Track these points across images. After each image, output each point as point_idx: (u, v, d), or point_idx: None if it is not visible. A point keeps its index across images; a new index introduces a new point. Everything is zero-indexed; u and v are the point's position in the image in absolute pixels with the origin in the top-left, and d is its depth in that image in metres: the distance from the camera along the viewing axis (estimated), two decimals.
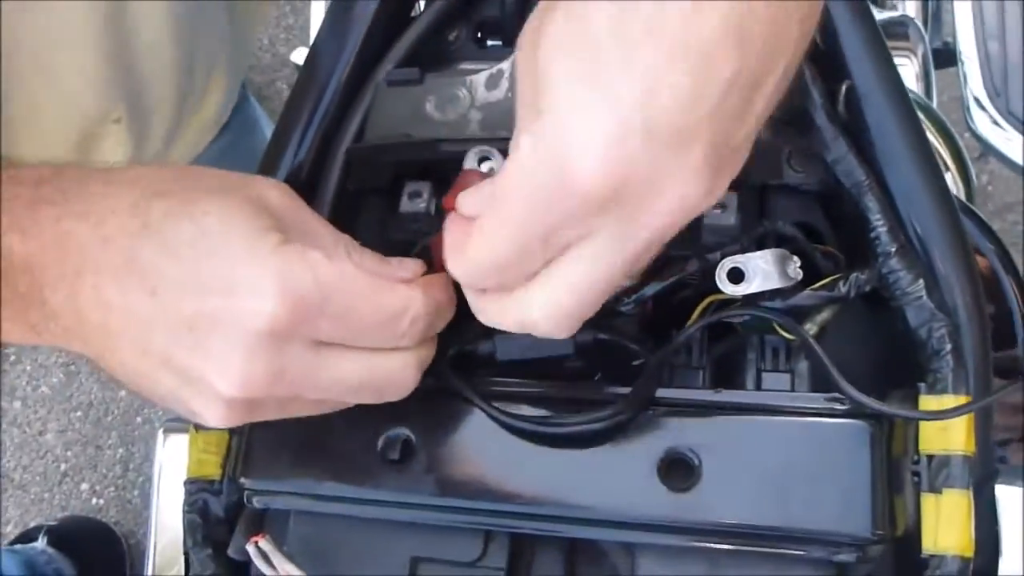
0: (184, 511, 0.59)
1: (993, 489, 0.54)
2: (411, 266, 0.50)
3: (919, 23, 1.21)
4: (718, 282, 0.53)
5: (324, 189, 0.64)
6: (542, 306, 0.43)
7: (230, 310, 0.43)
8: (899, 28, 1.09)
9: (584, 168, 0.37)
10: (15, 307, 0.47)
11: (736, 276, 0.53)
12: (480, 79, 0.60)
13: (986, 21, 1.23)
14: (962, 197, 0.97)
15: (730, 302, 0.56)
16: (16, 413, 1.67)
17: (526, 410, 0.53)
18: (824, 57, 0.57)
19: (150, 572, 0.65)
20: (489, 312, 0.47)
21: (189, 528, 0.58)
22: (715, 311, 0.57)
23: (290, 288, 0.43)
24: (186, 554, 0.58)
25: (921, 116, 0.98)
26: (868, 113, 0.56)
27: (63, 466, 1.64)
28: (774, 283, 0.53)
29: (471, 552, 0.55)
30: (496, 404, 0.53)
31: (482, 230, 0.42)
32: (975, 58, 1.21)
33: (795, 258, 0.54)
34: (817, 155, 0.56)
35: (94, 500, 1.61)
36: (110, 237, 0.44)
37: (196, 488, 0.59)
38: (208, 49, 0.83)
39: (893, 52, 1.02)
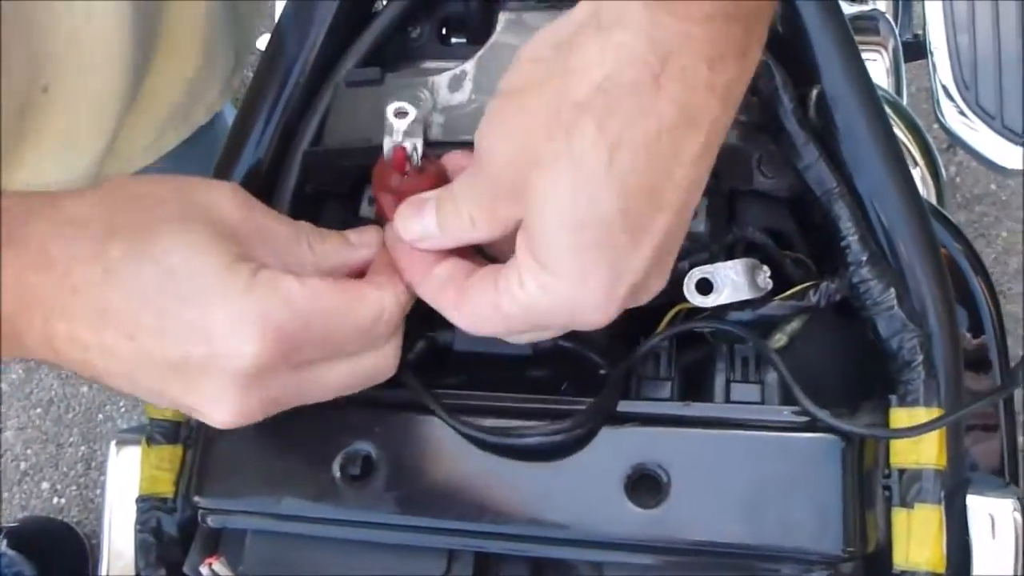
0: (136, 530, 0.57)
1: (964, 499, 0.54)
2: (370, 237, 0.52)
3: (889, 17, 1.20)
4: (686, 293, 0.52)
5: (282, 192, 0.62)
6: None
7: (214, 356, 0.43)
8: (869, 23, 1.08)
9: (592, 317, 0.44)
10: None
11: (704, 287, 0.52)
12: (442, 80, 0.58)
13: (956, 14, 1.22)
14: (931, 193, 0.97)
15: (699, 311, 0.54)
16: None
17: (486, 421, 0.52)
18: (794, 61, 0.55)
19: None
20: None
21: (141, 548, 0.56)
22: (683, 320, 0.56)
23: (271, 327, 0.43)
24: (138, 575, 0.56)
25: (890, 112, 0.98)
26: (839, 118, 0.55)
27: (23, 465, 1.61)
28: (743, 294, 0.52)
29: (434, 571, 0.53)
30: (457, 415, 0.52)
31: (479, 315, 0.47)
32: (945, 51, 1.20)
33: (765, 268, 0.53)
34: (788, 161, 0.55)
35: (55, 499, 1.58)
36: (78, 287, 0.43)
37: (149, 506, 0.57)
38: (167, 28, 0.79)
39: (863, 47, 1.02)
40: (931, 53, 1.19)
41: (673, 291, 0.54)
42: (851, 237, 0.53)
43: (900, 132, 0.95)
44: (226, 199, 0.48)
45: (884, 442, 0.51)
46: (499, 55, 0.59)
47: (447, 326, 0.56)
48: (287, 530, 0.54)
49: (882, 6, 1.24)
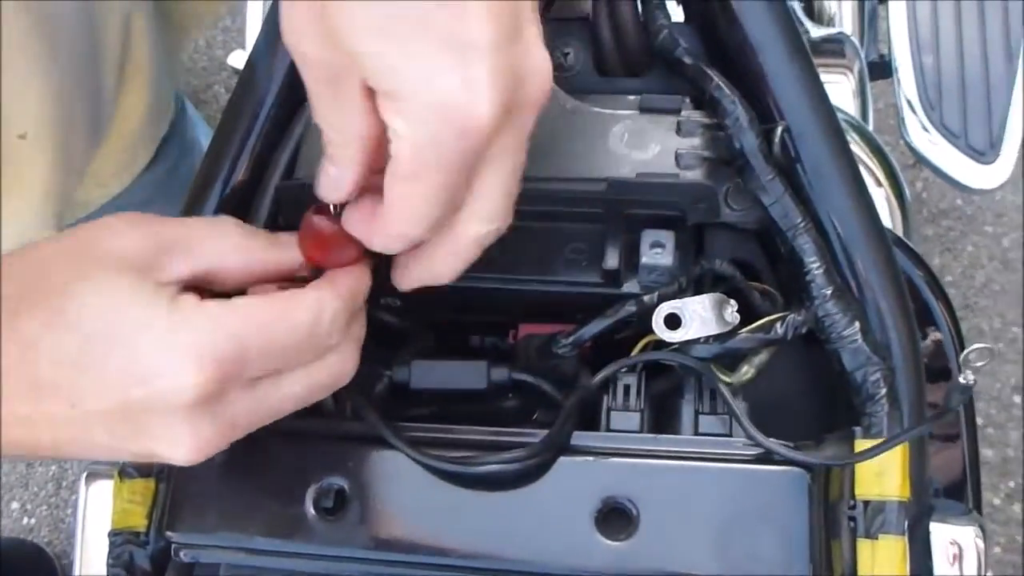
0: (108, 564, 0.57)
1: (928, 526, 0.55)
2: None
3: (855, 38, 1.22)
4: (655, 328, 0.53)
5: (255, 225, 0.62)
6: (485, 216, 0.45)
7: (155, 395, 0.42)
8: (835, 45, 1.09)
9: (479, 110, 0.39)
10: None
11: (673, 322, 0.53)
12: None
13: (920, 34, 1.24)
14: (896, 215, 0.99)
15: (667, 343, 0.55)
16: None
17: (445, 451, 0.52)
18: (759, 98, 0.56)
19: None
20: (438, 256, 0.47)
21: None
22: (652, 350, 0.57)
23: (205, 353, 0.42)
24: None
25: (855, 136, 1.00)
26: (804, 154, 0.56)
27: None
28: (711, 329, 0.53)
29: None
30: (415, 446, 0.52)
31: (402, 197, 0.43)
32: (910, 71, 1.22)
33: (732, 302, 0.54)
34: (754, 195, 0.56)
35: (25, 519, 1.56)
36: (4, 369, 0.42)
37: (121, 540, 0.57)
38: (117, 47, 0.79)
39: (828, 70, 1.03)
40: (896, 73, 1.21)
41: (641, 324, 0.55)
42: (816, 271, 0.54)
43: (864, 155, 0.97)
44: (121, 230, 0.45)
45: (849, 473, 0.52)
46: None
47: (403, 363, 0.57)
48: (260, 564, 0.54)
49: (848, 26, 1.26)
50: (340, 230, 0.48)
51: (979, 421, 1.59)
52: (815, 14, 1.25)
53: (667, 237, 0.56)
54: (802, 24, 1.10)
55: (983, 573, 0.55)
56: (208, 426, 0.44)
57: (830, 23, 1.23)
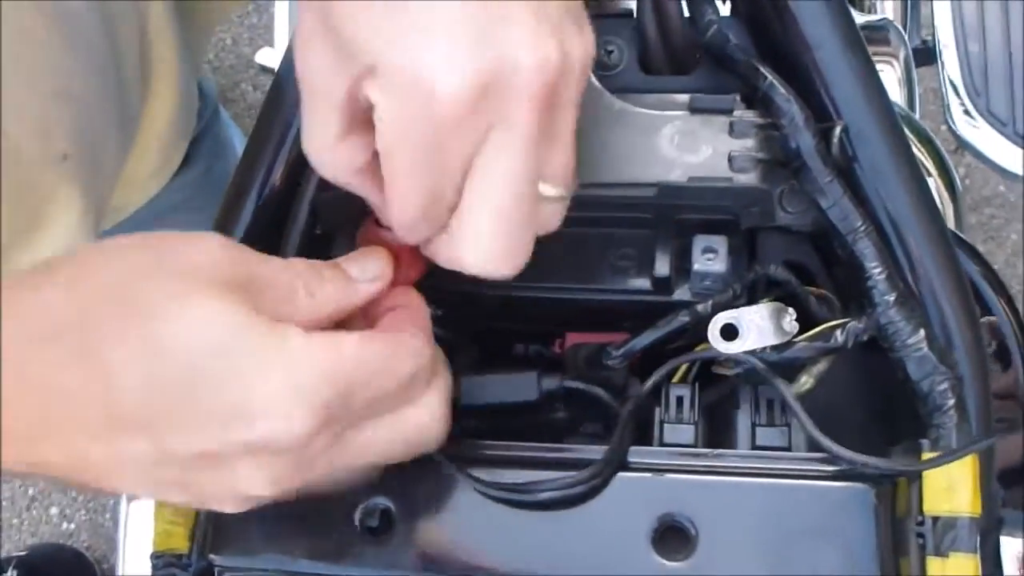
0: None
1: (998, 540, 0.53)
2: (373, 266, 0.48)
3: (898, 24, 1.19)
4: (710, 339, 0.51)
5: (290, 236, 0.61)
6: (469, 238, 0.43)
7: (259, 439, 0.38)
8: (879, 33, 1.06)
9: (447, 82, 0.38)
10: None
11: (730, 332, 0.51)
12: None
13: (966, 20, 1.21)
14: (948, 208, 0.96)
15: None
16: None
17: (499, 475, 0.50)
18: (816, 96, 0.54)
19: None
20: (440, 256, 0.46)
21: None
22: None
23: (316, 398, 0.39)
24: None
25: (904, 127, 0.97)
26: (863, 155, 0.53)
27: (31, 490, 1.59)
28: (769, 339, 0.51)
29: None
30: (469, 468, 0.50)
31: (391, 188, 0.42)
32: (955, 57, 1.19)
33: (790, 311, 0.52)
34: (810, 197, 0.54)
35: (64, 525, 1.57)
36: (80, 403, 0.38)
37: (163, 563, 0.56)
38: (135, 44, 0.75)
39: (874, 58, 1.00)
40: (941, 59, 1.18)
41: (695, 334, 0.53)
42: (878, 276, 0.52)
43: (914, 146, 0.94)
44: (211, 248, 0.41)
45: (917, 489, 0.50)
46: None
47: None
48: None
49: (889, 11, 1.23)
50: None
51: None
52: (856, 1, 1.22)
53: (719, 242, 0.54)
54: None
55: None
56: (289, 471, 0.41)
57: (871, 9, 1.20)
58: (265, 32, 2.08)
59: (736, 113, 0.54)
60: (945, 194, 0.97)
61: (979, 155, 1.16)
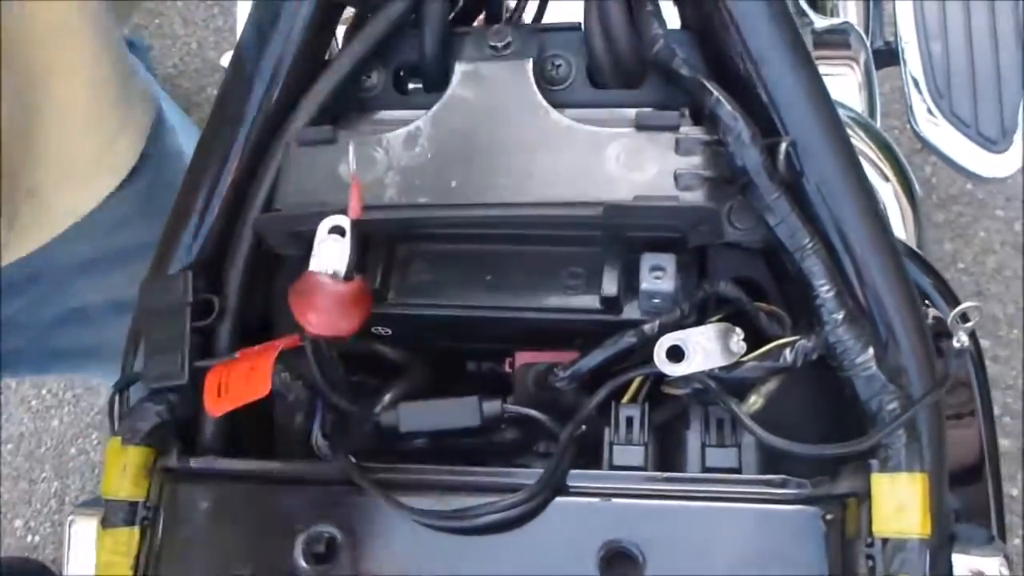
0: None
1: (950, 558, 0.52)
2: None
3: (860, 26, 1.18)
4: (656, 361, 0.50)
5: (235, 257, 0.59)
6: None
7: None
8: (839, 36, 1.06)
9: None
10: None
11: (676, 354, 0.50)
12: (397, 139, 0.56)
13: (927, 21, 1.20)
14: (907, 215, 0.95)
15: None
16: None
17: (435, 501, 0.49)
18: (763, 112, 0.53)
19: None
20: None
21: None
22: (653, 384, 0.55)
23: None
24: None
25: (860, 133, 0.96)
26: (810, 170, 0.53)
27: None
28: (716, 361, 0.50)
29: None
30: (406, 495, 0.49)
31: None
32: (918, 59, 1.19)
33: (738, 331, 0.51)
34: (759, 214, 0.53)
35: (29, 537, 1.55)
36: None
37: None
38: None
39: (833, 62, 0.99)
40: (904, 62, 1.17)
41: (643, 354, 0.53)
42: (826, 295, 0.51)
43: (871, 152, 0.94)
44: None
45: (866, 509, 0.49)
46: (455, 110, 0.56)
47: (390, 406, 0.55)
48: None
49: (852, 13, 1.22)
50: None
51: (995, 411, 1.55)
52: (817, 3, 1.21)
53: (668, 260, 0.53)
54: (805, 15, 1.06)
55: None
56: None
57: (833, 12, 1.20)
58: (230, 35, 2.06)
59: (683, 130, 0.53)
60: (904, 200, 0.97)
61: (942, 156, 1.16)
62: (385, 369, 0.62)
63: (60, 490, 1.58)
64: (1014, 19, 1.22)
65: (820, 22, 1.06)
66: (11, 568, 1.45)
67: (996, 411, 1.57)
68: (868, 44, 1.10)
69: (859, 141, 0.94)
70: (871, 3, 1.26)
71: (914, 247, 0.94)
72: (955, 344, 0.43)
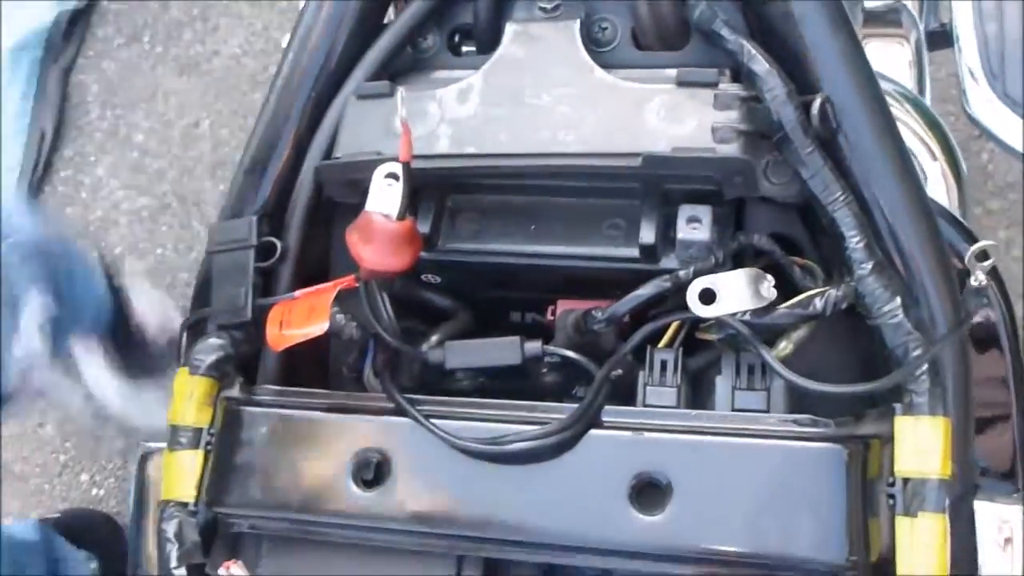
0: (158, 533, 0.59)
1: (972, 505, 0.54)
2: None
3: (914, 7, 1.18)
4: (689, 303, 0.52)
5: (296, 206, 0.63)
6: None
7: None
8: (891, 15, 1.06)
9: None
10: None
11: (708, 296, 0.52)
12: (451, 93, 0.59)
13: (983, 2, 1.20)
14: (952, 191, 0.96)
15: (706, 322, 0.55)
16: None
17: (473, 430, 0.53)
18: (800, 69, 0.55)
19: None
20: None
21: (162, 550, 0.58)
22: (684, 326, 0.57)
23: None
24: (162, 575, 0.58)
25: (909, 108, 0.97)
26: (846, 126, 0.55)
27: (62, 457, 1.65)
28: (746, 304, 0.52)
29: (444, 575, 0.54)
30: (446, 424, 0.53)
31: None
32: (972, 40, 1.18)
33: (769, 277, 0.53)
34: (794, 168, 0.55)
35: (94, 491, 1.62)
36: None
37: (170, 510, 0.59)
38: None
39: (886, 39, 1.00)
40: (958, 42, 1.17)
41: (678, 300, 0.55)
42: (856, 245, 0.53)
43: (919, 128, 0.94)
44: None
45: (889, 451, 0.51)
46: (505, 67, 0.59)
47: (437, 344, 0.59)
48: (302, 534, 0.56)
49: None
50: None
51: None
52: None
53: (704, 212, 0.55)
54: None
55: None
56: None
57: None
58: (294, 15, 2.10)
59: (721, 86, 0.55)
60: (951, 178, 0.97)
61: (994, 138, 1.16)
62: (434, 316, 0.65)
63: (124, 447, 1.64)
64: None
65: (873, 3, 1.06)
66: (78, 518, 1.52)
67: None
68: (920, 24, 1.11)
69: (908, 116, 0.94)
70: None
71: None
72: (973, 283, 0.45)
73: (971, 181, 1.72)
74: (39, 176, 1.84)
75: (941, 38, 1.29)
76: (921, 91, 1.05)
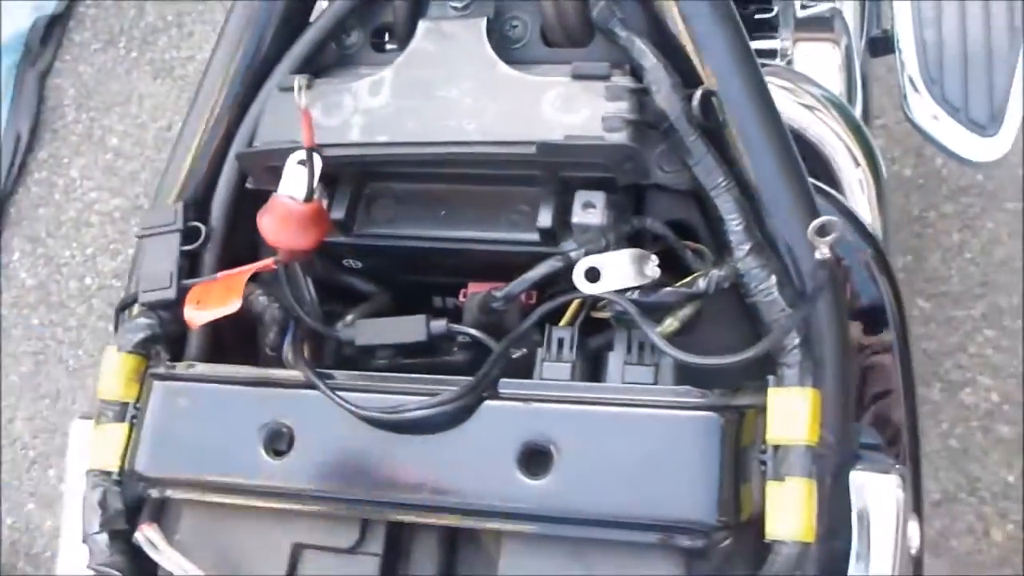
0: (84, 500, 0.62)
1: (848, 475, 0.57)
2: None
3: (852, 14, 1.22)
4: (575, 280, 0.56)
5: (220, 194, 0.67)
6: None
7: None
8: (823, 20, 1.10)
9: None
10: None
11: (593, 275, 0.56)
12: (364, 86, 0.63)
13: (923, 10, 1.24)
14: (871, 193, 0.99)
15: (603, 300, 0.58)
16: None
17: (374, 400, 0.56)
18: (687, 62, 0.59)
19: (61, 563, 0.68)
20: None
21: (88, 516, 0.61)
22: (589, 310, 0.60)
23: None
24: (85, 540, 0.61)
25: (834, 113, 1.00)
26: (730, 115, 0.58)
27: (31, 453, 1.68)
28: (630, 281, 0.56)
29: (349, 539, 0.57)
30: (349, 396, 0.56)
31: None
32: (912, 46, 1.22)
33: (652, 257, 0.57)
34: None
35: (62, 486, 1.65)
36: None
37: (96, 479, 0.62)
38: None
39: (818, 43, 1.04)
40: (899, 48, 1.21)
41: (570, 280, 0.58)
42: (736, 227, 0.57)
43: (844, 134, 0.98)
44: None
45: (762, 420, 0.54)
46: (416, 62, 0.63)
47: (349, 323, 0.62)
48: (217, 500, 0.59)
49: (847, 3, 1.26)
50: None
51: (995, 399, 1.58)
52: None
53: (598, 197, 0.59)
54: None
55: (902, 521, 0.57)
56: None
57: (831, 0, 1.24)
58: None
59: (613, 79, 0.59)
60: (871, 181, 1.00)
61: (933, 141, 1.19)
62: (357, 299, 0.68)
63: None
64: (1006, 7, 1.25)
65: (804, 12, 1.10)
66: None
67: (996, 398, 1.60)
68: (853, 30, 1.14)
69: (832, 122, 0.98)
70: None
71: (879, 229, 0.97)
72: (816, 256, 0.49)
73: (925, 185, 1.76)
74: (13, 178, 1.88)
75: (884, 44, 1.34)
76: (850, 95, 1.09)
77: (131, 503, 0.62)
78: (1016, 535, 1.49)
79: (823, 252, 0.49)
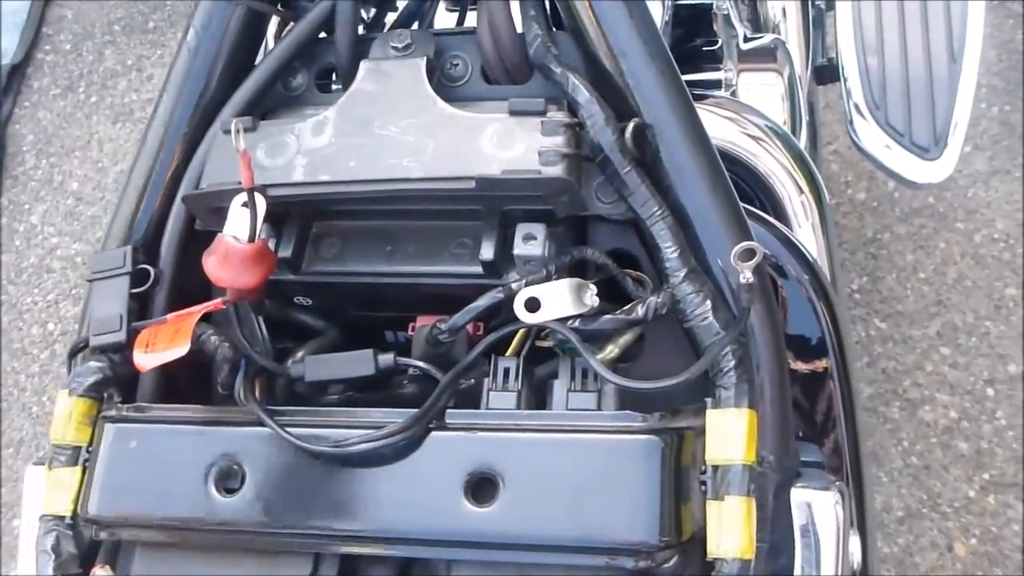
0: (36, 546, 0.62)
1: (789, 492, 0.58)
2: None
3: (798, 43, 1.26)
4: (515, 310, 0.57)
5: (170, 233, 0.68)
6: None
7: None
8: (767, 51, 1.13)
9: None
10: None
11: (533, 305, 0.57)
12: (307, 126, 0.64)
13: (865, 37, 1.28)
14: (815, 218, 1.01)
15: (549, 330, 0.60)
16: None
17: (320, 432, 0.56)
18: (622, 97, 0.61)
19: None
20: None
21: (41, 561, 0.61)
22: (534, 339, 0.62)
23: None
24: None
25: (777, 143, 1.03)
26: (663, 148, 0.60)
27: None
28: (569, 310, 0.57)
29: (302, 573, 0.58)
30: (298, 432, 0.56)
31: None
32: (856, 73, 1.26)
33: (591, 286, 0.58)
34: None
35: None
36: None
37: (48, 525, 0.62)
38: None
39: (761, 73, 1.07)
40: (843, 76, 1.25)
41: (512, 311, 0.60)
42: (671, 255, 0.59)
43: (787, 162, 1.00)
44: None
45: (702, 441, 0.56)
46: (358, 101, 0.64)
47: (298, 359, 0.62)
48: (170, 541, 0.59)
49: (792, 32, 1.30)
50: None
51: (953, 415, 1.60)
52: (760, 20, 1.29)
53: (539, 229, 0.60)
54: (735, 30, 1.14)
55: (843, 537, 0.59)
56: None
57: (775, 29, 1.27)
58: None
59: (548, 115, 0.61)
60: (814, 208, 1.02)
61: (878, 164, 1.23)
62: (308, 336, 0.69)
63: None
64: (945, 34, 1.29)
65: (747, 44, 1.13)
66: None
67: (954, 415, 1.62)
68: (798, 59, 1.17)
69: (775, 151, 1.00)
70: (811, 22, 1.34)
71: (823, 253, 1.00)
72: (742, 280, 0.51)
73: (878, 208, 1.80)
74: None
75: (830, 72, 1.37)
76: (795, 123, 1.12)
77: (85, 547, 0.63)
78: (978, 549, 1.51)
79: (747, 276, 0.50)
